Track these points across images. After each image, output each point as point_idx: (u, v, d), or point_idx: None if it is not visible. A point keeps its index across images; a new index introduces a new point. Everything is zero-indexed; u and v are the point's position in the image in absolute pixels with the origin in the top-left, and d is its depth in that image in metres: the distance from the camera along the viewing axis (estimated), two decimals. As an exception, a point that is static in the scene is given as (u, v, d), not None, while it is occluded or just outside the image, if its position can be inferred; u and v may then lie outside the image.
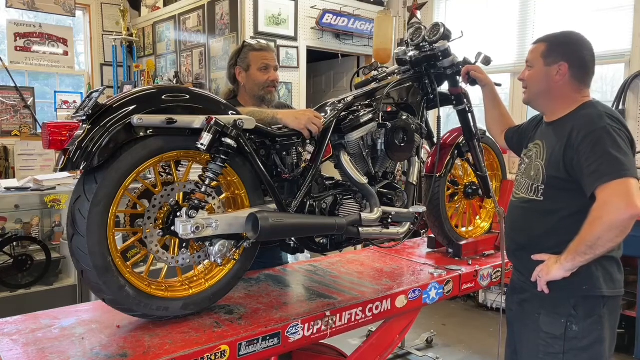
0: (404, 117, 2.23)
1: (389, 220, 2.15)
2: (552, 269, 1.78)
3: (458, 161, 2.66)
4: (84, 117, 1.51)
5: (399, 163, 2.34)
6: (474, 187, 2.73)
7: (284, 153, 1.96)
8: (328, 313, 1.91)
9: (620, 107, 4.21)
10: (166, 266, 1.80)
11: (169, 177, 1.88)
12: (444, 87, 2.49)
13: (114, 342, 1.61)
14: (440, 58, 2.34)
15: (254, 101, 2.50)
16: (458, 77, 2.42)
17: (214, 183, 1.72)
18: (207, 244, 1.75)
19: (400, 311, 2.16)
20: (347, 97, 2.18)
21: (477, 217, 2.95)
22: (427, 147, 2.59)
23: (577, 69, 1.86)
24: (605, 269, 1.82)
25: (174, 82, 5.74)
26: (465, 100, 2.50)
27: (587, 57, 1.88)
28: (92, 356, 1.52)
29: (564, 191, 1.83)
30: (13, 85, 5.91)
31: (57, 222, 4.01)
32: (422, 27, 2.39)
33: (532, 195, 1.92)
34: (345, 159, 2.09)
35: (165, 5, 6.25)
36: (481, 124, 2.57)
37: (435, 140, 2.47)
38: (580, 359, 1.83)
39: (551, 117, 1.95)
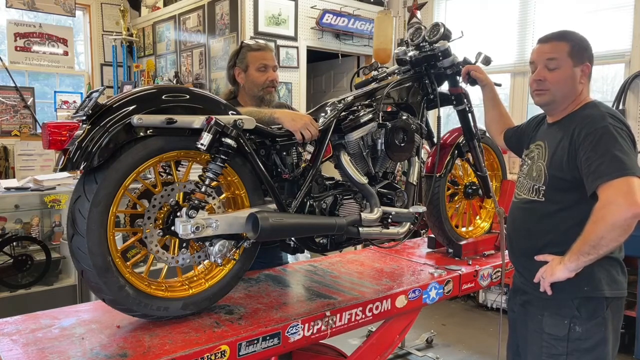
0: (404, 117, 2.23)
1: (389, 220, 2.15)
2: (556, 269, 1.77)
3: (458, 161, 2.66)
4: (84, 117, 1.51)
5: (399, 163, 2.34)
6: (474, 187, 2.73)
7: (284, 153, 1.96)
8: (328, 313, 1.91)
9: (620, 107, 4.21)
10: (166, 266, 1.80)
11: (169, 177, 1.88)
12: (444, 87, 2.49)
13: (114, 342, 1.61)
14: (440, 58, 2.34)
15: (253, 101, 2.50)
16: (458, 77, 2.42)
17: (214, 183, 1.72)
18: (207, 244, 1.75)
19: (400, 311, 2.16)
20: (347, 97, 2.18)
21: (477, 217, 2.95)
22: (427, 147, 2.59)
23: (591, 68, 1.87)
24: (607, 270, 1.82)
25: (174, 82, 5.74)
26: (465, 100, 2.50)
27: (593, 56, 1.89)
28: (92, 356, 1.52)
29: (565, 192, 1.82)
30: (13, 85, 5.91)
31: (57, 222, 4.01)
32: (422, 27, 2.39)
33: (534, 196, 1.91)
34: (345, 159, 2.09)
35: (165, 5, 6.25)
36: (481, 124, 2.57)
37: (435, 140, 2.47)
38: None
39: (554, 118, 1.94)
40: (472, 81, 2.36)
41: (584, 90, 1.88)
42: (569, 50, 1.83)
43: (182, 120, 1.62)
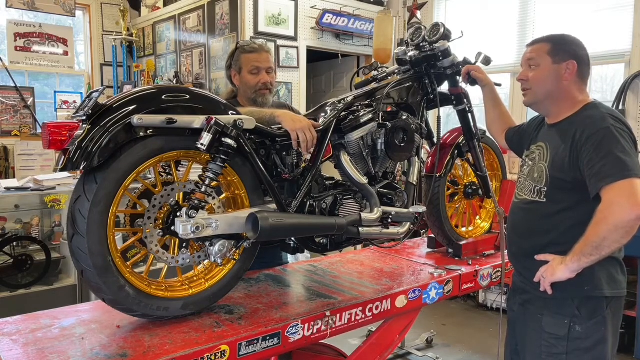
0: (404, 117, 2.23)
1: (389, 220, 2.15)
2: (557, 269, 1.77)
3: (458, 161, 2.66)
4: (84, 117, 1.51)
5: (399, 163, 2.34)
6: (474, 187, 2.73)
7: (284, 153, 1.96)
8: (328, 313, 1.91)
9: (620, 107, 4.21)
10: (166, 266, 1.80)
11: (169, 177, 1.88)
12: (444, 87, 2.49)
13: (114, 342, 1.61)
14: (440, 58, 2.34)
15: (249, 103, 2.49)
16: (458, 77, 2.42)
17: (214, 183, 1.72)
18: (207, 244, 1.75)
19: (400, 311, 2.16)
20: (347, 97, 2.18)
21: (477, 217, 2.95)
22: (427, 147, 2.58)
23: (582, 67, 1.87)
24: (608, 270, 1.82)
25: (174, 82, 5.74)
26: (465, 100, 2.50)
27: (586, 57, 1.90)
28: (92, 356, 1.52)
29: (567, 193, 1.82)
30: (13, 85, 5.91)
31: (57, 222, 4.01)
32: (422, 27, 2.39)
33: (535, 197, 1.91)
34: (345, 159, 2.09)
35: (165, 5, 6.25)
36: (481, 124, 2.57)
37: (435, 140, 2.47)
38: None
39: (554, 119, 1.94)
40: (472, 81, 2.36)
41: (579, 90, 1.88)
42: (548, 49, 1.88)
43: (182, 120, 1.62)
